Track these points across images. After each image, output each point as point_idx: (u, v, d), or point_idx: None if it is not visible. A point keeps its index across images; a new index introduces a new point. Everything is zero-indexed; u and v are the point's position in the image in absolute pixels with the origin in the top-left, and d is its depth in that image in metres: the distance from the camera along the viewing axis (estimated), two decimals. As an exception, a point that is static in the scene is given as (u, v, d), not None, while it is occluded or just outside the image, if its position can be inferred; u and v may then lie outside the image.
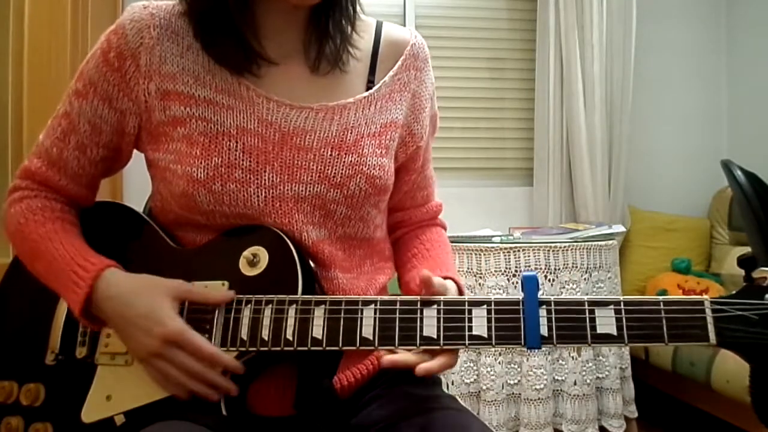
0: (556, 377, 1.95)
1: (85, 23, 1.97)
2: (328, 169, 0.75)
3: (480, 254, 1.98)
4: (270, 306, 0.68)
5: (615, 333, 0.63)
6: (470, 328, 0.65)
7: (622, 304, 0.64)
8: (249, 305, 0.69)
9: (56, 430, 0.73)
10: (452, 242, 1.06)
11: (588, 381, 1.94)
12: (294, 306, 0.68)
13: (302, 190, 0.74)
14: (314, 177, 0.75)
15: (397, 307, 0.67)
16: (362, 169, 0.76)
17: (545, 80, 2.68)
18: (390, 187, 0.82)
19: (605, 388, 2.00)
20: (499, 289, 1.94)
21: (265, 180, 0.73)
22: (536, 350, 1.86)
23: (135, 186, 2.11)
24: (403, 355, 0.67)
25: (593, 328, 0.63)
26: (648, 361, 2.30)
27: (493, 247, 1.97)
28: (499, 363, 1.94)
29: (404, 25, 2.71)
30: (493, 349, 1.94)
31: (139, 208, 0.87)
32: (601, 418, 2.00)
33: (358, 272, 0.81)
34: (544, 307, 0.65)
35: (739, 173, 1.68)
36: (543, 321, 0.64)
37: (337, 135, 0.76)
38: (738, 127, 2.91)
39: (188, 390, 0.68)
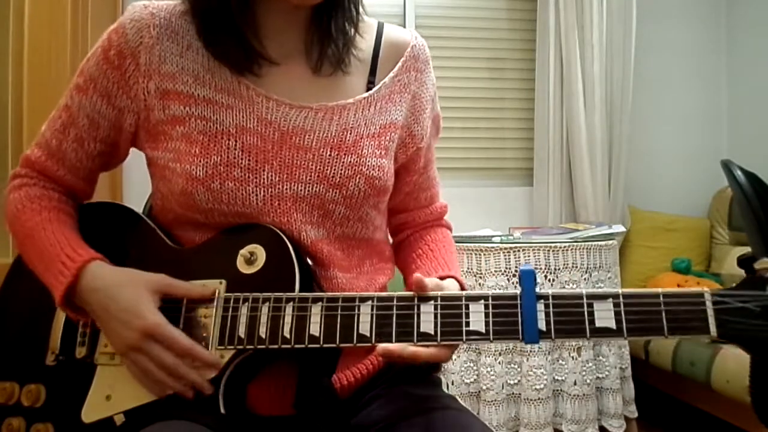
0: (556, 377, 1.95)
1: (85, 23, 1.97)
2: (327, 169, 0.75)
3: (480, 254, 1.98)
4: (267, 304, 0.68)
5: (614, 327, 0.62)
6: (467, 324, 0.64)
7: (620, 297, 0.62)
8: (246, 303, 0.69)
9: (57, 430, 0.73)
10: (452, 242, 1.05)
11: (588, 381, 1.94)
12: (291, 303, 0.68)
13: (301, 190, 0.74)
14: (313, 177, 0.75)
15: (394, 303, 0.66)
16: (361, 169, 0.76)
17: (545, 80, 2.68)
18: (389, 188, 0.82)
19: (605, 388, 2.00)
20: (499, 289, 1.94)
21: (263, 179, 0.73)
22: (535, 346, 1.87)
23: (135, 185, 2.11)
24: (398, 344, 0.66)
25: (592, 321, 0.62)
26: (648, 361, 2.29)
27: (493, 247, 1.97)
28: (499, 363, 1.93)
29: (404, 26, 2.72)
30: (492, 348, 1.94)
31: (139, 207, 0.88)
32: (601, 418, 2.00)
33: (357, 272, 0.81)
34: (542, 301, 0.64)
35: (739, 173, 1.68)
36: (541, 315, 0.63)
37: (336, 135, 0.76)
38: (738, 127, 2.91)
39: (164, 386, 0.68)
